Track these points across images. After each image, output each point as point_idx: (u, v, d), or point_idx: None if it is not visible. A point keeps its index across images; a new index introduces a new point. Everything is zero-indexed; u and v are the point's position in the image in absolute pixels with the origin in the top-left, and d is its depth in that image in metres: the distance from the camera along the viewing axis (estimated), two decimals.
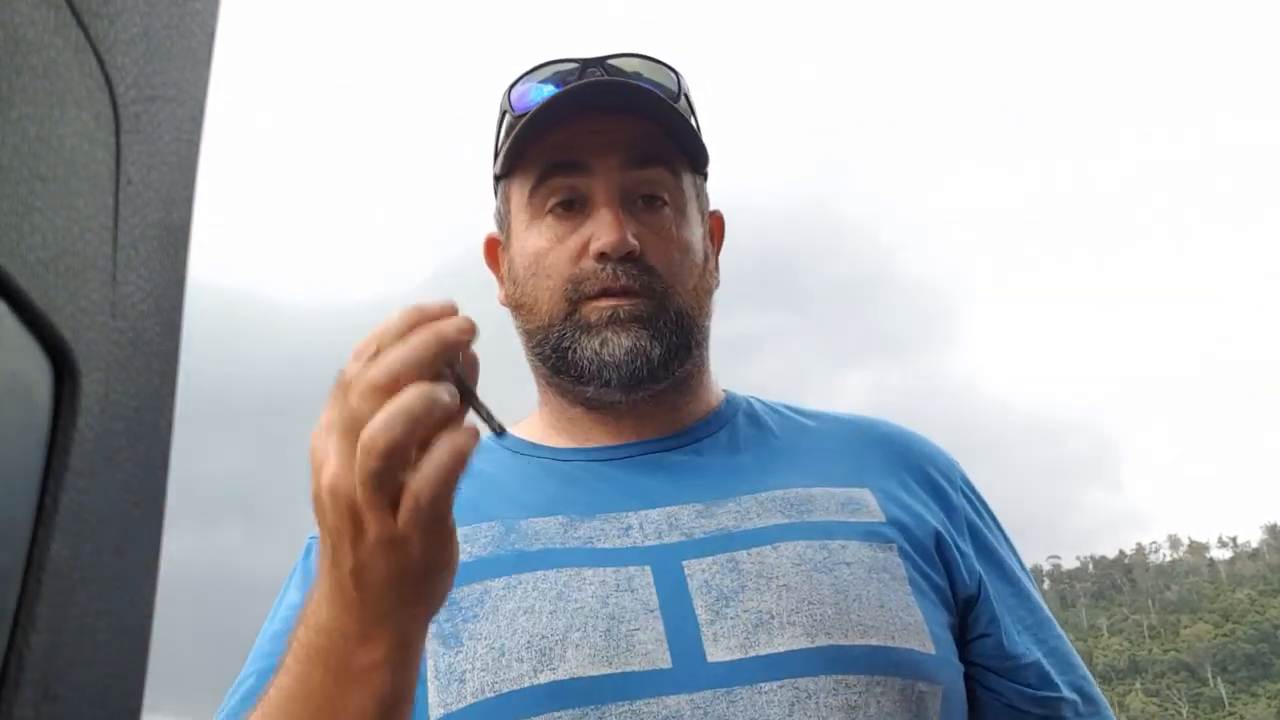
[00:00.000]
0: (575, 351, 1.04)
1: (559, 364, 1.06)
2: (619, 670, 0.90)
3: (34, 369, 0.24)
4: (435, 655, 0.94)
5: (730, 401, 1.16)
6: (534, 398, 1.19)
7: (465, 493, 1.09)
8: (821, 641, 0.92)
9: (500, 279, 1.18)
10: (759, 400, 1.20)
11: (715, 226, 1.21)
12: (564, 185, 1.06)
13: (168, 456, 0.29)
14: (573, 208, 1.06)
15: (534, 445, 1.13)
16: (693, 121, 1.11)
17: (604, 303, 1.03)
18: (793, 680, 0.90)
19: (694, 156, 1.11)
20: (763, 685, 0.90)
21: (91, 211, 0.26)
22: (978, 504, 1.15)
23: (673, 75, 1.11)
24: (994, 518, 1.16)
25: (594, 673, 0.90)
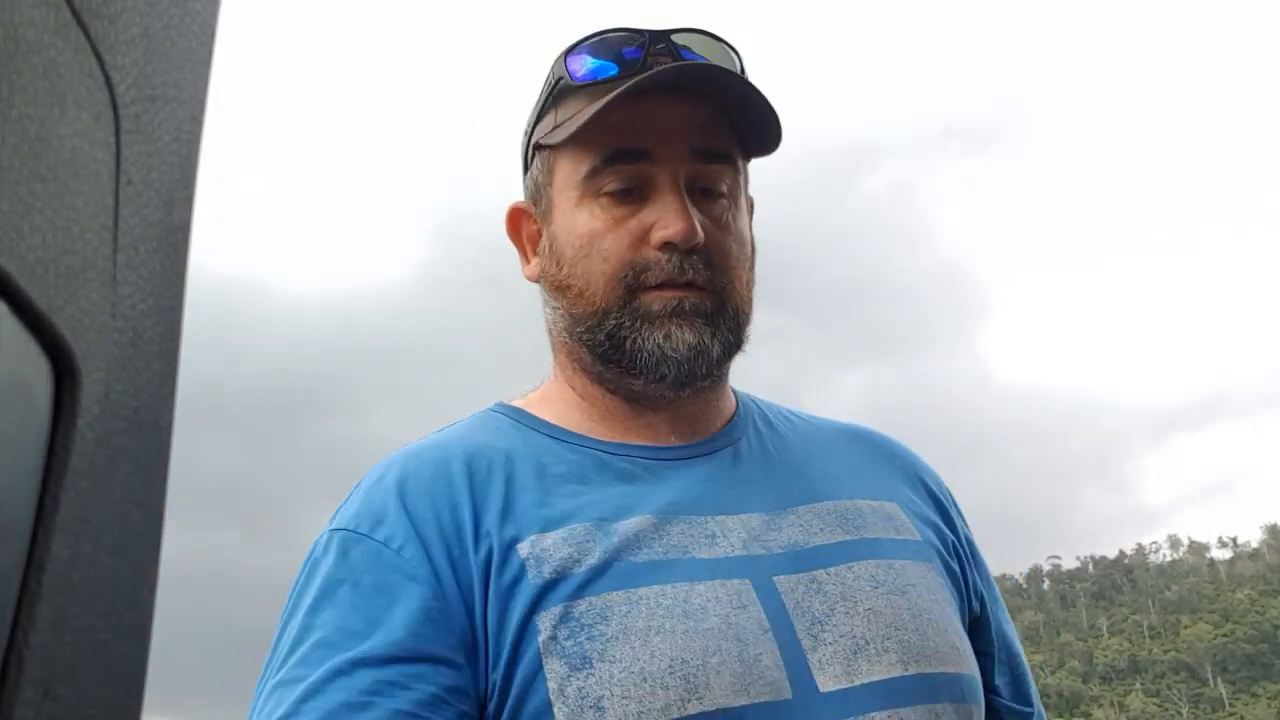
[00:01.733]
0: (634, 341, 0.98)
1: (611, 352, 1.00)
2: (755, 700, 0.86)
3: (34, 369, 0.24)
4: (559, 677, 0.85)
5: (742, 401, 1.15)
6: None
7: (533, 480, 0.98)
8: (913, 669, 0.92)
9: (525, 253, 1.12)
10: (759, 399, 1.19)
11: (749, 208, 1.15)
12: (627, 172, 0.99)
13: (168, 456, 0.29)
14: (631, 192, 1.00)
15: (575, 434, 1.05)
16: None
17: (668, 293, 0.98)
18: (897, 710, 0.89)
19: (763, 142, 1.05)
20: (873, 715, 0.88)
21: (91, 211, 0.26)
22: (962, 518, 1.16)
23: (734, 56, 1.05)
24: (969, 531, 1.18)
25: (738, 703, 0.85)
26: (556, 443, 1.03)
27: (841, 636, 0.91)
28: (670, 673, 0.84)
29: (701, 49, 1.03)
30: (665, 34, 1.01)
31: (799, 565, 0.95)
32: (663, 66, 0.97)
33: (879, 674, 0.90)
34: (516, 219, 1.12)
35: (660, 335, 0.98)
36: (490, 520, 0.92)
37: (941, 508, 1.12)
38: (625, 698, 0.83)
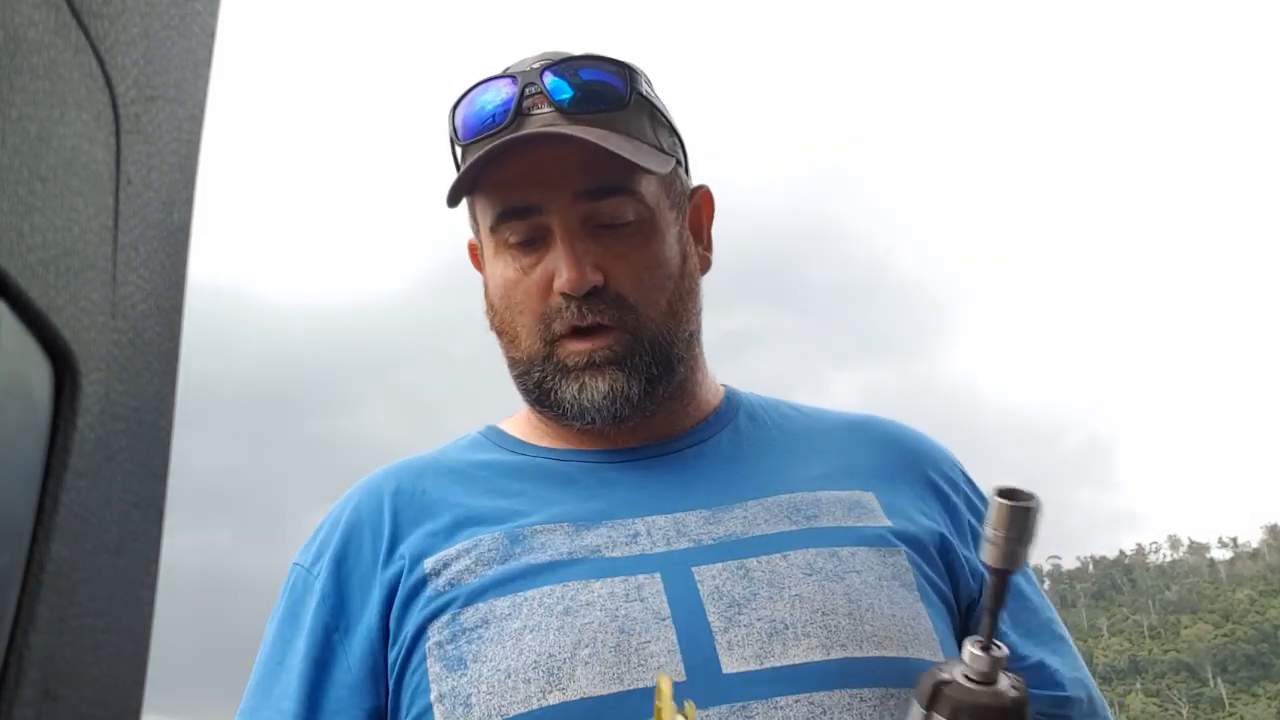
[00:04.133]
0: (556, 393, 1.04)
1: (540, 399, 1.06)
2: (630, 687, 0.88)
3: (34, 369, 0.24)
4: (439, 679, 0.92)
5: (730, 400, 1.15)
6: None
7: (460, 495, 1.05)
8: (837, 654, 0.91)
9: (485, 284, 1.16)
10: (759, 398, 1.19)
11: (703, 201, 1.16)
12: (520, 227, 1.03)
13: (168, 456, 0.29)
14: (535, 240, 1.03)
15: (529, 445, 1.11)
16: (645, 121, 1.06)
17: (578, 345, 1.02)
18: (809, 695, 0.89)
19: (651, 163, 1.04)
20: (779, 700, 0.88)
21: (91, 211, 0.26)
22: (978, 503, 1.13)
23: (625, 73, 1.05)
24: None
25: (605, 691, 0.88)
26: (511, 455, 1.10)
27: (759, 620, 0.93)
28: (534, 667, 0.90)
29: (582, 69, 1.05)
30: (541, 70, 1.03)
31: (728, 554, 0.97)
32: (515, 135, 1.00)
33: (794, 658, 0.91)
34: (474, 251, 1.17)
35: (575, 388, 1.03)
36: (404, 540, 1.02)
37: (941, 494, 1.10)
38: (489, 693, 0.89)
